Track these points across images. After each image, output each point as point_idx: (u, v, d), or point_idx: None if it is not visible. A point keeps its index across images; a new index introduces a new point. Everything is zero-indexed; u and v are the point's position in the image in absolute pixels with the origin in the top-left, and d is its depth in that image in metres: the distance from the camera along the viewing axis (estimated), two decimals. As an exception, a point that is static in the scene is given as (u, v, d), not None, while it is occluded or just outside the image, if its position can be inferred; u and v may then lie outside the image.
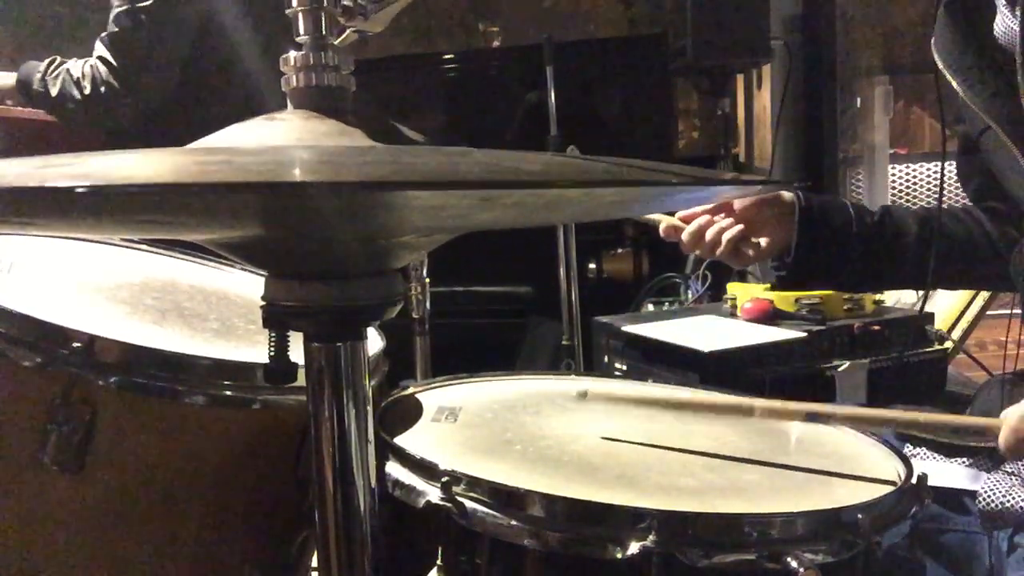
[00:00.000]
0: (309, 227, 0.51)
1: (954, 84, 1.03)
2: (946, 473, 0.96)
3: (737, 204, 1.14)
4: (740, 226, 1.12)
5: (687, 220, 1.16)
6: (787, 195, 1.15)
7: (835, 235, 1.15)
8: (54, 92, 1.78)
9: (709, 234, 1.13)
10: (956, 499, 0.94)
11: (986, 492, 0.92)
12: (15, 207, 0.39)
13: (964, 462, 0.97)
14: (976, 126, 1.06)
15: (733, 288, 1.89)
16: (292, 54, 0.62)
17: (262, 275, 0.62)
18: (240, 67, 1.81)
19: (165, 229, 0.63)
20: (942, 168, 1.14)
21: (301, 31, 0.62)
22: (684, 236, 1.15)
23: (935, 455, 0.98)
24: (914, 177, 3.59)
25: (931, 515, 0.93)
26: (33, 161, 0.41)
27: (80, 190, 0.37)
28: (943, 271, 1.16)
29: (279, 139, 0.58)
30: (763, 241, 1.14)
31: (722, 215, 1.14)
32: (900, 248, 1.16)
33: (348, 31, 0.64)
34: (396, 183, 0.41)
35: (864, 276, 1.22)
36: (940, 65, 1.05)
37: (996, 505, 0.90)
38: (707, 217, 1.15)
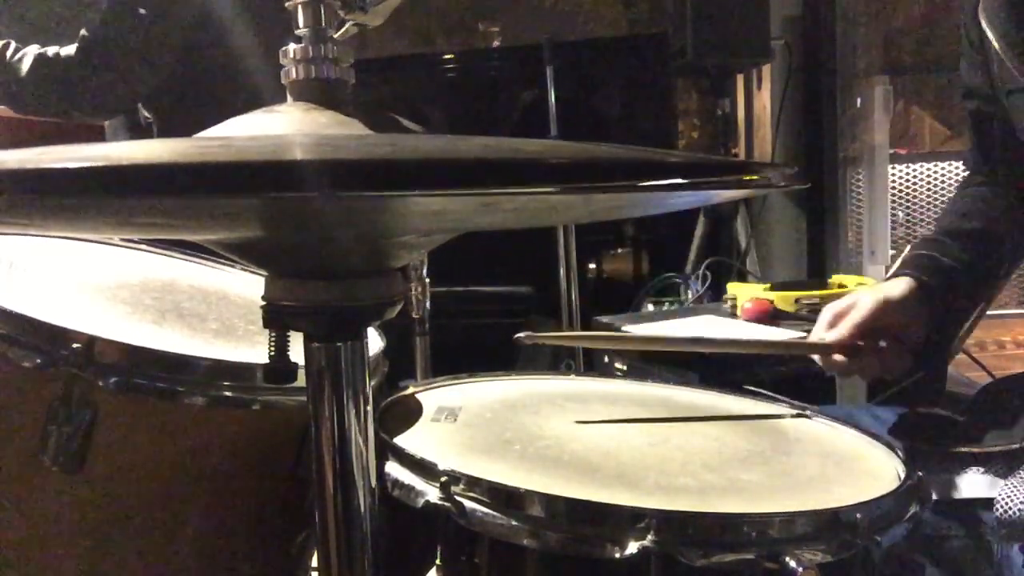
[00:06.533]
0: (309, 219, 0.51)
1: (996, 45, 1.00)
2: (962, 484, 0.93)
3: (850, 325, 1.06)
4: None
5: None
6: (897, 290, 1.07)
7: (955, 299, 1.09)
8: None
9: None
10: (970, 510, 0.92)
11: (1003, 499, 0.88)
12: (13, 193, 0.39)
13: (979, 470, 0.94)
14: (1006, 84, 1.03)
15: (733, 288, 1.90)
16: (291, 46, 0.62)
17: (262, 275, 0.62)
18: (245, 88, 1.80)
19: (165, 229, 0.63)
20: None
21: (300, 24, 0.62)
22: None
23: (948, 466, 0.96)
24: (914, 177, 3.59)
25: (937, 525, 0.91)
26: (27, 151, 0.41)
27: (77, 167, 0.37)
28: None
29: (279, 130, 0.59)
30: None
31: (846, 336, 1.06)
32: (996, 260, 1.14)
33: (348, 24, 0.64)
34: (400, 161, 0.41)
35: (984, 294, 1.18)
36: (984, 23, 1.01)
37: (1013, 512, 0.87)
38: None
